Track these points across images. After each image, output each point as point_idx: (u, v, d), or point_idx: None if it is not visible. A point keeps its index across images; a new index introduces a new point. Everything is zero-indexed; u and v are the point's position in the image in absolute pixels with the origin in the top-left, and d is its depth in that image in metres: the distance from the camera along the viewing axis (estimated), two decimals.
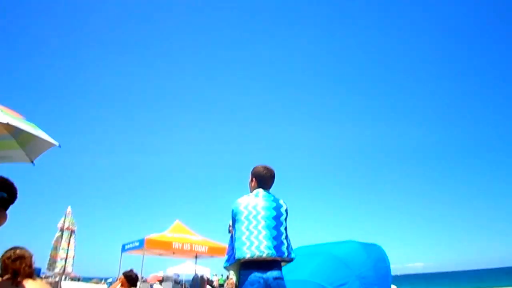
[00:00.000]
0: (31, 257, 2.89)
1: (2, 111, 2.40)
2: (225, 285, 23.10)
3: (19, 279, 2.64)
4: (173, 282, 23.17)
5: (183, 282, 25.69)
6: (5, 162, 3.38)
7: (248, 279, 3.06)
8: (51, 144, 3.05)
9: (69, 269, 9.09)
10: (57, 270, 8.84)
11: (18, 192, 2.60)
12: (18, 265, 2.72)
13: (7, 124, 2.38)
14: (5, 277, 2.65)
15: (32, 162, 3.35)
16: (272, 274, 3.08)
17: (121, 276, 7.21)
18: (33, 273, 2.81)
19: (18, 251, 2.83)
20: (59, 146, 3.03)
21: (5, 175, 2.56)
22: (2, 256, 2.78)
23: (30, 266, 2.80)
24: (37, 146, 3.21)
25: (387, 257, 8.63)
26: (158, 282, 19.04)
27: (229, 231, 3.49)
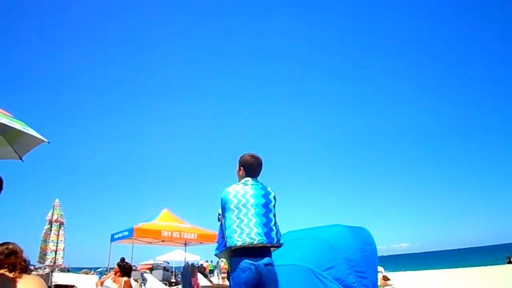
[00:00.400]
0: (22, 251, 2.89)
1: None
2: (219, 268, 23.45)
3: (17, 273, 2.65)
4: (163, 269, 23.33)
5: (173, 269, 25.91)
6: None
7: (239, 266, 3.14)
8: (40, 141, 3.04)
9: (59, 261, 9.11)
10: (47, 262, 8.84)
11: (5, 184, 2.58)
12: (14, 260, 2.71)
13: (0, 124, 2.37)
14: (1, 271, 2.65)
15: (21, 158, 3.33)
16: (262, 260, 3.17)
17: (115, 266, 7.27)
18: (28, 267, 2.83)
19: (10, 246, 2.82)
20: (49, 142, 3.03)
21: None
22: None
23: (25, 260, 2.81)
24: (26, 143, 3.19)
25: (373, 239, 8.84)
26: (148, 271, 19.12)
27: (219, 220, 3.55)
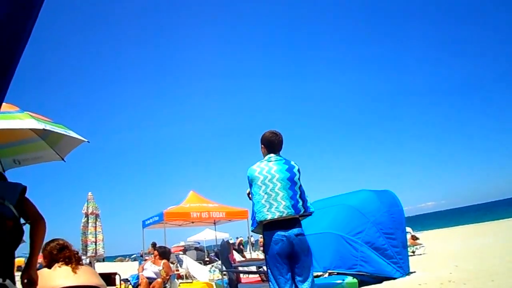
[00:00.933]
0: (72, 246, 3.15)
1: (36, 119, 2.55)
2: (250, 243, 24.28)
3: (73, 265, 2.90)
4: (195, 249, 23.97)
5: (205, 248, 26.60)
6: (37, 163, 3.58)
7: (272, 238, 3.32)
8: (80, 141, 3.23)
9: (100, 251, 9.50)
10: (90, 253, 9.25)
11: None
12: (69, 253, 2.97)
13: (43, 129, 2.55)
14: (58, 264, 2.90)
15: (63, 159, 3.55)
16: (293, 231, 3.33)
17: (148, 248, 7.68)
18: (81, 259, 3.08)
19: (61, 241, 3.08)
20: (88, 141, 3.22)
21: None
22: (46, 248, 3.00)
23: (78, 253, 3.06)
24: (66, 144, 3.38)
25: (399, 201, 8.96)
26: (181, 252, 19.72)
27: (249, 198, 3.72)
